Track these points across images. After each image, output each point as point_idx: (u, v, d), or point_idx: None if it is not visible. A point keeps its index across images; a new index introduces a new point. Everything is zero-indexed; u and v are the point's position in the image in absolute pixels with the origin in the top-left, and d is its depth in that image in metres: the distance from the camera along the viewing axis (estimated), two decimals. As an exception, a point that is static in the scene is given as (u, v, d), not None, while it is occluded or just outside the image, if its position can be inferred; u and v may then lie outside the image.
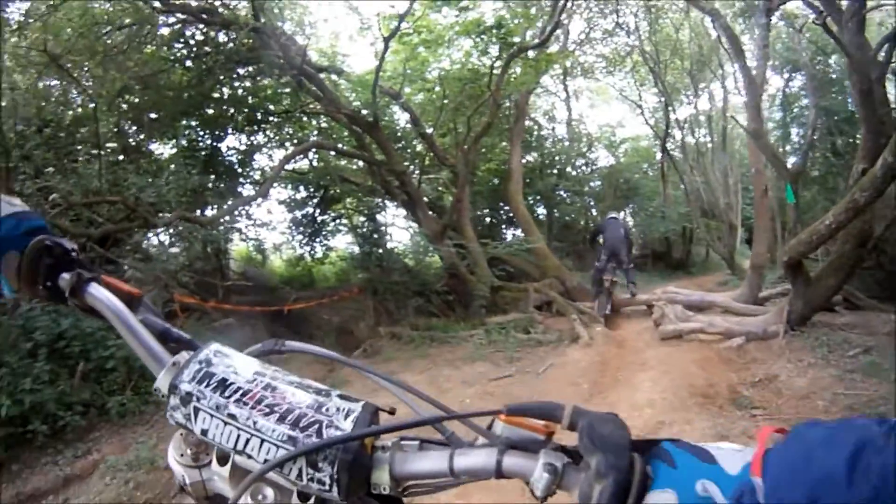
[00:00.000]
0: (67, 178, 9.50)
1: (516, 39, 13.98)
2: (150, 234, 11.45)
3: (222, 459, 0.94)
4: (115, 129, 12.08)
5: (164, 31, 12.37)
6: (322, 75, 13.31)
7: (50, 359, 7.09)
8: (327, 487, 0.84)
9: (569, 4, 15.87)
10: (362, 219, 16.71)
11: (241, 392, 0.91)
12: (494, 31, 13.13)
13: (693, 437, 5.07)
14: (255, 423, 0.88)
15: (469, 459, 0.85)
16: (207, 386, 0.91)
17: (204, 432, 0.89)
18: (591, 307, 12.44)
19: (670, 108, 20.67)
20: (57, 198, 9.20)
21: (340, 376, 8.08)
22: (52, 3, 9.80)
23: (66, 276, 1.10)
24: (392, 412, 1.01)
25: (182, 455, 0.97)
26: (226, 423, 0.88)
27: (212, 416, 0.89)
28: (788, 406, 6.41)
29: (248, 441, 0.87)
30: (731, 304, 11.75)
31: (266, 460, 0.86)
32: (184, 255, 11.34)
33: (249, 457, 0.88)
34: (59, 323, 7.17)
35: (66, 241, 1.14)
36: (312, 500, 0.89)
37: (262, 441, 0.87)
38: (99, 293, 1.09)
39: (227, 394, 0.90)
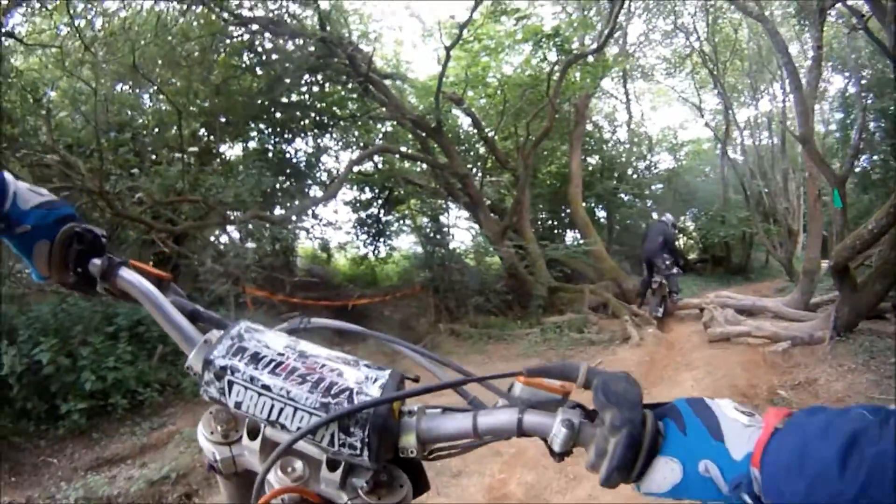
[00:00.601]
0: (152, 179, 10.00)
1: (574, 45, 14.12)
2: (222, 232, 11.88)
3: (252, 433, 0.99)
4: (193, 133, 12.57)
5: (235, 41, 12.84)
6: (387, 81, 13.66)
7: (130, 342, 7.67)
8: (358, 451, 0.89)
9: (626, 7, 15.93)
10: (425, 220, 16.66)
11: (273, 364, 0.94)
12: (552, 38, 13.26)
13: None
14: (288, 392, 0.91)
15: (491, 419, 0.90)
16: (241, 360, 0.95)
17: (238, 405, 0.93)
18: (643, 310, 12.54)
19: (730, 111, 20.33)
20: (143, 196, 9.75)
21: (368, 351, 8.37)
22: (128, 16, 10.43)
23: (96, 261, 1.14)
24: (416, 379, 1.02)
25: (212, 433, 1.03)
26: (260, 394, 0.92)
27: (246, 388, 0.92)
28: (824, 408, 6.44)
29: (281, 410, 0.91)
30: (781, 309, 11.54)
31: (299, 428, 0.90)
32: (254, 251, 11.70)
33: (283, 427, 0.92)
34: (139, 310, 7.65)
35: (95, 228, 1.18)
36: (341, 469, 0.94)
37: (296, 409, 0.90)
38: (130, 276, 1.13)
39: (260, 366, 0.94)
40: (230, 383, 0.93)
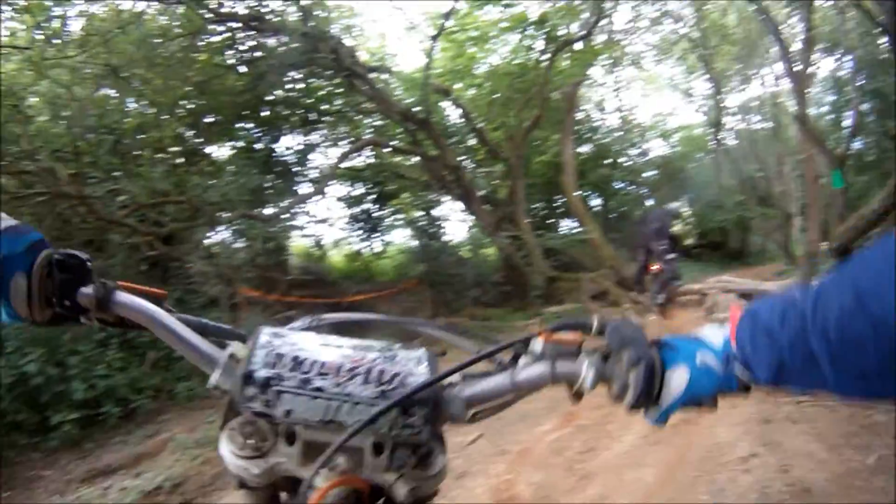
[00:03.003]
0: (134, 181, 9.87)
1: (562, 32, 14.03)
2: (212, 233, 11.78)
3: (290, 438, 0.96)
4: (176, 134, 12.46)
5: (217, 39, 12.72)
6: (373, 75, 13.51)
7: (121, 348, 7.55)
8: (418, 429, 0.95)
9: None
10: (419, 213, 16.86)
11: (318, 365, 0.95)
12: (538, 26, 13.23)
13: (737, 421, 5.16)
14: (343, 389, 0.93)
15: (527, 373, 1.01)
16: (283, 368, 0.94)
17: (288, 413, 0.92)
18: (644, 297, 12.47)
19: (721, 96, 20.30)
20: (126, 199, 9.61)
21: (375, 337, 8.29)
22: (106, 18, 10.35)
23: (86, 290, 1.03)
24: (443, 354, 1.10)
25: (242, 448, 0.96)
26: (314, 398, 0.92)
27: (297, 394, 0.92)
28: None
29: (338, 408, 0.93)
30: None
31: (358, 421, 0.91)
32: (246, 251, 11.67)
33: (339, 424, 0.93)
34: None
35: (78, 252, 1.07)
36: (387, 451, 0.97)
37: (355, 404, 0.93)
38: (130, 301, 1.04)
39: (305, 369, 0.94)
40: (278, 393, 0.92)
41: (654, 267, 12.35)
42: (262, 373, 0.92)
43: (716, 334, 0.97)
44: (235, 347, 1.00)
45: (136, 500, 5.42)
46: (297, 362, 0.95)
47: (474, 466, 5.23)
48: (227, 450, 0.96)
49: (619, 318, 1.02)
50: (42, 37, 9.94)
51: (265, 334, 1.00)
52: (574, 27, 14.71)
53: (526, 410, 6.58)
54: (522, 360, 1.05)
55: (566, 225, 19.55)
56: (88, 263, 1.06)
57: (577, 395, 1.00)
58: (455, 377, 1.02)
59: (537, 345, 1.03)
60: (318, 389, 0.92)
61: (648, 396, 0.93)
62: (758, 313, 0.89)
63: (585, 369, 0.97)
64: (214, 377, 0.96)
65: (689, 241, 22.59)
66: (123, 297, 1.03)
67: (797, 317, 0.81)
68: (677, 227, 14.59)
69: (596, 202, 21.82)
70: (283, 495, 1.05)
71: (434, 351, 1.06)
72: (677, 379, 0.93)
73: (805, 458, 4.39)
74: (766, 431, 5.06)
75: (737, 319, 0.93)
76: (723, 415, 5.68)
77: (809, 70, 13.37)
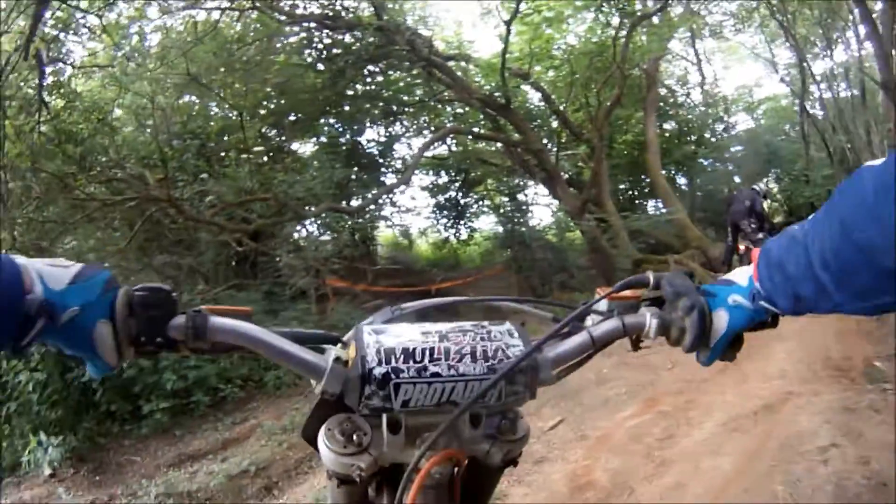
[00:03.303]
0: (220, 182, 10.11)
1: (638, 7, 13.89)
2: (299, 227, 11.98)
3: (394, 427, 0.99)
4: (260, 134, 12.70)
5: (294, 39, 12.99)
6: (450, 63, 13.60)
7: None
8: (520, 396, 1.02)
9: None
10: (504, 199, 16.86)
11: (428, 352, 0.98)
12: (613, 2, 13.12)
13: (819, 410, 5.11)
14: (457, 371, 0.97)
15: (601, 329, 1.13)
16: (397, 361, 0.96)
17: (405, 403, 0.96)
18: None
19: (805, 63, 19.63)
20: (213, 199, 9.89)
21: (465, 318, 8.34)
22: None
23: (177, 322, 0.97)
24: (523, 324, 1.11)
25: (345, 447, 1.00)
26: (430, 384, 0.96)
27: (415, 383, 0.95)
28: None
29: (453, 389, 0.97)
30: None
31: (469, 397, 0.97)
32: (333, 243, 11.81)
33: (453, 403, 0.97)
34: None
35: (158, 284, 1.00)
36: (483, 421, 1.03)
37: (467, 382, 0.97)
38: (227, 324, 1.01)
39: (418, 359, 0.97)
40: (396, 386, 0.95)
41: (742, 247, 12.15)
42: (378, 370, 0.95)
43: (743, 275, 1.10)
44: (337, 351, 1.05)
45: (221, 483, 5.66)
46: (409, 353, 0.98)
47: (553, 452, 5.32)
48: (328, 449, 0.99)
49: (672, 272, 1.15)
50: (122, 54, 10.31)
51: (366, 332, 1.02)
52: (650, 1, 14.52)
53: (607, 396, 6.61)
54: (591, 320, 1.21)
55: (652, 206, 19.30)
56: (174, 295, 0.99)
57: (637, 344, 1.19)
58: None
59: (602, 304, 1.19)
60: (435, 375, 0.96)
61: (703, 338, 1.07)
62: (771, 252, 1.00)
63: (649, 319, 1.12)
64: (323, 383, 0.98)
65: (778, 219, 22.11)
66: (217, 321, 1.00)
67: (801, 251, 0.92)
68: (766, 205, 14.18)
69: (681, 181, 21.40)
70: (370, 491, 1.16)
71: (518, 322, 1.11)
72: (719, 320, 1.07)
73: (885, 449, 4.29)
74: (848, 421, 4.95)
75: (757, 259, 1.04)
76: (805, 403, 5.58)
77: (892, 30, 12.77)
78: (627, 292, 1.18)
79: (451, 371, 0.97)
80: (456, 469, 1.07)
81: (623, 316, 1.14)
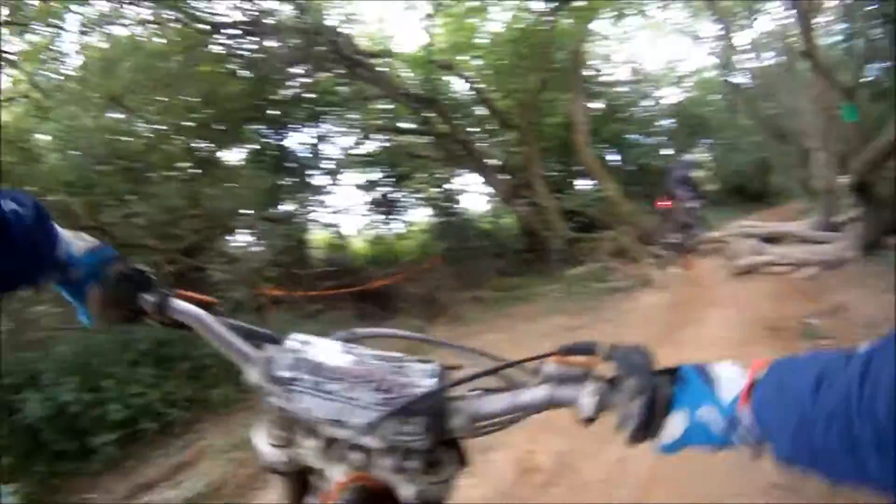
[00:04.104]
0: (148, 202, 10.01)
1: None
2: (231, 239, 11.91)
3: (311, 433, 1.07)
4: (187, 148, 12.58)
5: (216, 48, 12.80)
6: (374, 60, 13.56)
7: (155, 364, 7.67)
8: (419, 436, 1.01)
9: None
10: (436, 191, 16.91)
11: (334, 370, 1.05)
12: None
13: None
14: (351, 394, 1.02)
15: (529, 396, 1.04)
16: (303, 370, 1.05)
17: (306, 410, 1.03)
18: (665, 251, 12.53)
19: (730, 35, 19.86)
20: (142, 221, 9.78)
21: (404, 345, 8.36)
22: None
23: (148, 296, 1.20)
24: (458, 368, 1.13)
25: (271, 437, 1.11)
26: (323, 399, 1.02)
27: (312, 394, 1.03)
28: (854, 334, 6.21)
29: (341, 410, 1.02)
30: (805, 233, 11.40)
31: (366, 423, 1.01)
32: (266, 252, 11.72)
33: (346, 425, 1.02)
34: (159, 332, 7.63)
35: (142, 266, 1.25)
36: (399, 455, 1.03)
37: (355, 408, 1.01)
38: (183, 307, 1.21)
39: (322, 373, 1.04)
40: (297, 392, 1.04)
41: (669, 205, 12.43)
42: (283, 374, 1.05)
43: (731, 383, 0.87)
44: (269, 350, 1.13)
45: (179, 509, 5.56)
46: (316, 366, 1.06)
47: (498, 439, 5.32)
48: (259, 438, 1.12)
49: (629, 345, 1.01)
50: (41, 80, 10.18)
51: (294, 340, 1.13)
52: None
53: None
54: (532, 380, 1.10)
55: (584, 185, 19.41)
56: (151, 276, 1.24)
57: (585, 421, 1.01)
58: (465, 391, 1.08)
59: (549, 366, 1.07)
60: (329, 392, 1.02)
61: (648, 430, 0.91)
62: (785, 374, 0.81)
63: (586, 396, 0.99)
64: (250, 375, 1.11)
65: (710, 188, 22.45)
66: (177, 303, 1.21)
67: (838, 386, 0.70)
68: (699, 175, 14.49)
69: (613, 158, 21.53)
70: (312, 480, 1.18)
71: (449, 365, 1.12)
72: (675, 424, 0.90)
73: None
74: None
75: (754, 375, 0.86)
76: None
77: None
78: (574, 358, 1.04)
79: (345, 393, 1.02)
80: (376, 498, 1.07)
81: (560, 385, 1.03)
